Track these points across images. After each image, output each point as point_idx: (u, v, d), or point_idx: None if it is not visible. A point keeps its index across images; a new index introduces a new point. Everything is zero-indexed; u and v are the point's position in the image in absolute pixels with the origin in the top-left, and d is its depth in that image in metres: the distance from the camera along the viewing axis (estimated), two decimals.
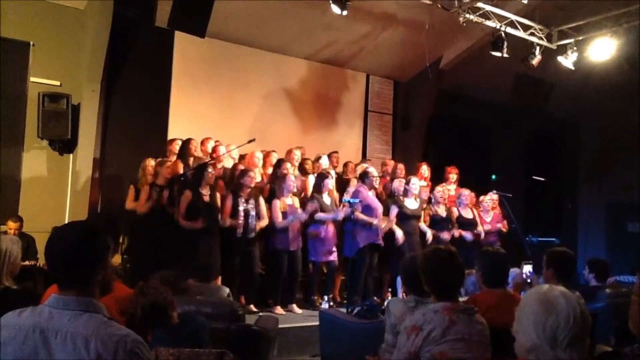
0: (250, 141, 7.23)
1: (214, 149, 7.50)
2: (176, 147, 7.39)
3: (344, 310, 5.91)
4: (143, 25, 7.91)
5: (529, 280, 4.89)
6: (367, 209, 7.08)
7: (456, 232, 7.78)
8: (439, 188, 7.97)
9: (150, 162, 6.84)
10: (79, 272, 1.83)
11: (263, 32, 8.96)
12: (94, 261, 1.86)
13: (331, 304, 7.17)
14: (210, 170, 6.58)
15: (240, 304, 6.03)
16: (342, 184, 8.07)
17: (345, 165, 8.67)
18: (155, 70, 8.49)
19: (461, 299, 3.09)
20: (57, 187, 7.54)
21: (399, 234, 7.27)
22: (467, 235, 7.78)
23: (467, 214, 8.01)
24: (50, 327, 1.75)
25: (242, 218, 6.56)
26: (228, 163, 7.62)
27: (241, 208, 6.59)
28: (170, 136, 8.22)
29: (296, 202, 7.05)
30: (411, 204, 7.51)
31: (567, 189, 13.02)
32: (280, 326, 5.06)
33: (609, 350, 2.65)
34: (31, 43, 7.17)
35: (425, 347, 2.65)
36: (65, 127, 7.28)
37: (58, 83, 7.51)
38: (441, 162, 9.04)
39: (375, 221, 7.04)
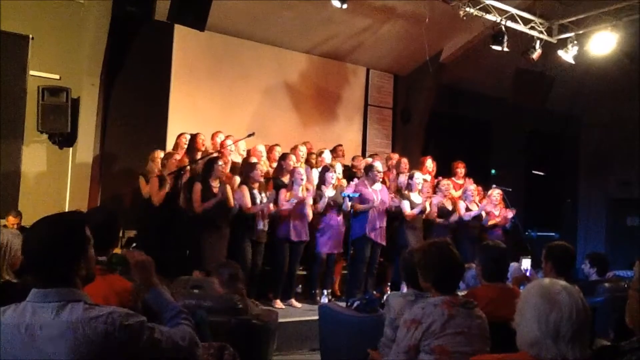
0: (249, 135, 7.25)
1: (222, 143, 7.50)
2: (184, 141, 7.40)
3: (343, 304, 5.92)
4: (143, 19, 7.88)
5: (527, 274, 4.90)
6: (364, 202, 7.11)
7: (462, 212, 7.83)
8: (444, 181, 7.99)
9: (160, 154, 6.88)
10: (58, 269, 1.82)
11: (263, 26, 8.95)
12: (72, 256, 1.85)
13: (330, 298, 7.19)
14: (220, 163, 6.59)
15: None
16: (349, 178, 8.08)
17: (354, 159, 8.69)
18: (154, 63, 8.47)
19: (461, 293, 3.10)
20: (57, 180, 7.55)
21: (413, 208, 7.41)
22: (472, 213, 7.83)
23: (473, 208, 8.03)
24: (34, 322, 1.75)
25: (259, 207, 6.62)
26: (235, 157, 7.59)
27: (258, 199, 6.62)
28: (170, 129, 8.24)
29: (305, 194, 7.03)
30: (416, 198, 7.53)
31: (567, 184, 13.02)
32: (279, 320, 5.06)
33: (608, 345, 2.65)
34: (30, 36, 7.17)
35: (425, 340, 2.65)
36: (65, 120, 7.28)
37: (57, 77, 7.50)
38: (441, 156, 9.05)
39: (376, 203, 7.08)
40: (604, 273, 5.44)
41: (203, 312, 3.54)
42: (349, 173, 8.29)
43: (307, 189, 7.18)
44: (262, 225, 6.68)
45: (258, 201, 6.63)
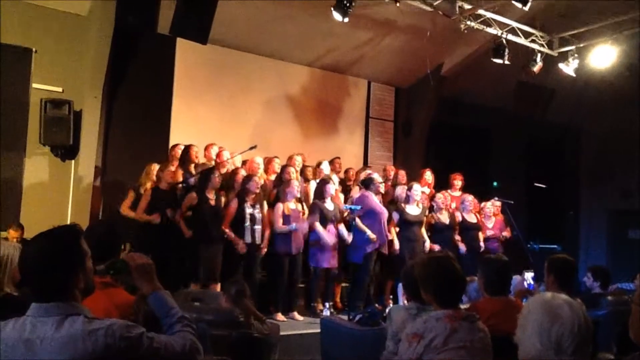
0: (251, 148, 7.25)
1: (218, 155, 7.52)
2: (179, 152, 7.41)
3: (345, 317, 5.90)
4: (145, 32, 7.93)
5: (530, 288, 4.89)
6: (372, 214, 7.08)
7: (456, 237, 7.79)
8: (439, 195, 7.98)
9: (155, 167, 6.87)
10: (54, 284, 1.83)
11: (265, 39, 8.99)
12: (69, 271, 1.85)
13: (332, 310, 7.16)
14: (217, 174, 6.60)
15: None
16: (344, 191, 8.09)
17: (347, 172, 8.68)
18: (157, 76, 8.51)
19: (463, 306, 3.08)
20: (58, 193, 7.54)
21: (396, 244, 7.31)
22: (462, 247, 7.76)
23: (471, 218, 8.03)
24: (34, 336, 1.75)
25: (247, 222, 6.59)
26: (232, 169, 7.61)
27: (248, 212, 6.61)
28: (172, 142, 8.23)
29: (299, 207, 7.06)
30: (413, 210, 7.50)
31: (568, 196, 13.00)
32: (281, 333, 5.05)
33: (611, 358, 2.64)
34: (33, 49, 7.20)
35: (427, 355, 2.63)
36: (67, 133, 7.29)
37: (60, 89, 7.52)
38: (442, 169, 9.04)
39: (369, 233, 7.03)
40: (607, 286, 5.43)
41: (204, 325, 3.53)
42: (344, 187, 8.28)
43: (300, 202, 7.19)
44: (251, 239, 6.65)
45: (247, 214, 6.63)
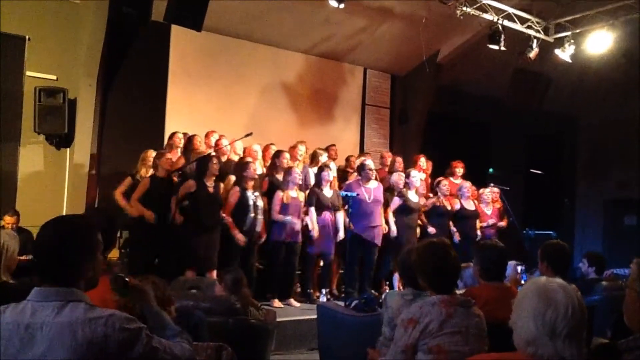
0: (247, 135, 7.22)
1: (217, 142, 7.48)
2: (177, 140, 7.36)
3: (341, 303, 5.92)
4: (139, 19, 7.87)
5: (523, 280, 4.90)
6: (356, 203, 7.07)
7: (452, 228, 7.83)
8: (444, 182, 7.97)
9: (152, 154, 6.83)
10: (66, 269, 1.84)
11: (260, 26, 8.94)
12: (81, 258, 1.87)
13: (328, 297, 7.19)
14: (215, 161, 6.56)
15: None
16: (342, 178, 8.08)
17: (347, 159, 8.67)
18: (151, 64, 8.47)
19: (459, 291, 3.09)
20: (54, 182, 7.53)
21: (393, 228, 7.32)
22: (456, 237, 7.77)
23: (470, 205, 8.05)
24: (34, 322, 1.75)
25: (252, 214, 6.59)
26: (233, 157, 7.58)
27: (251, 202, 6.60)
28: (167, 130, 8.21)
29: (301, 196, 7.02)
30: (413, 196, 7.52)
31: (566, 184, 13.02)
32: (278, 319, 5.07)
33: (605, 342, 2.66)
34: (27, 37, 7.14)
35: (422, 340, 2.65)
36: (62, 121, 7.26)
37: (54, 77, 7.48)
38: (439, 156, 9.04)
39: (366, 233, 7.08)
40: (602, 272, 5.45)
41: (201, 312, 3.54)
42: (342, 174, 8.27)
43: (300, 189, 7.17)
44: (254, 227, 6.65)
45: (251, 202, 6.61)
